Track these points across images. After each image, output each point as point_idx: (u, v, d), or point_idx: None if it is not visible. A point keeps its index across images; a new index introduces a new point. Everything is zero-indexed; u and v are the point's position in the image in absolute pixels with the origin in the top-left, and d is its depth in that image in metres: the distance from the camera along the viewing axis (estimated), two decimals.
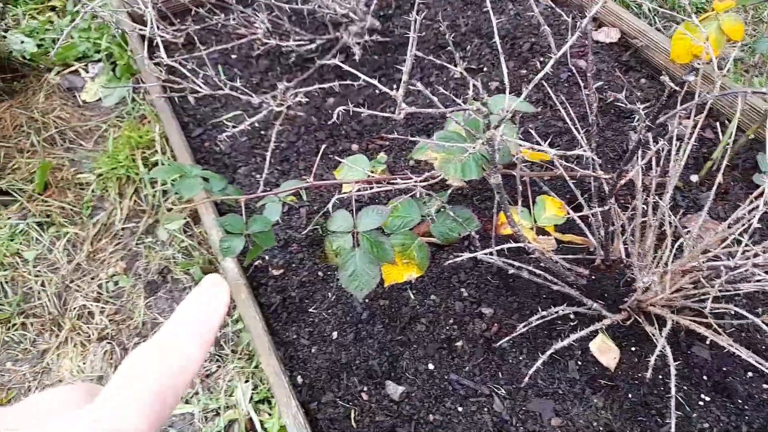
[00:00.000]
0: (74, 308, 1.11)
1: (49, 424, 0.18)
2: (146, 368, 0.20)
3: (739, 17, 1.14)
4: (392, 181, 0.80)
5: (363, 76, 0.61)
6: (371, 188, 0.81)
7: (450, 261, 0.95)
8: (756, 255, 0.69)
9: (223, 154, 1.24)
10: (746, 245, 0.71)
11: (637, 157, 0.88)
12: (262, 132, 1.26)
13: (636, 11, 1.65)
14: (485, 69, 1.41)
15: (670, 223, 0.91)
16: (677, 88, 0.56)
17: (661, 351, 0.72)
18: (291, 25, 1.38)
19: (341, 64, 0.71)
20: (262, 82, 1.40)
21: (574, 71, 1.22)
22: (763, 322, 0.74)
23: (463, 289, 0.99)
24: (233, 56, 1.44)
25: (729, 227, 0.80)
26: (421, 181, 0.77)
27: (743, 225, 0.80)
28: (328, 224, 0.82)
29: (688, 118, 1.34)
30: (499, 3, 1.57)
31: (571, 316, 0.95)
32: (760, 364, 0.74)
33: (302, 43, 1.33)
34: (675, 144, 0.90)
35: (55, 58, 1.47)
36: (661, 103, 0.60)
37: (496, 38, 0.71)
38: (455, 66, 0.69)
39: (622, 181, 0.79)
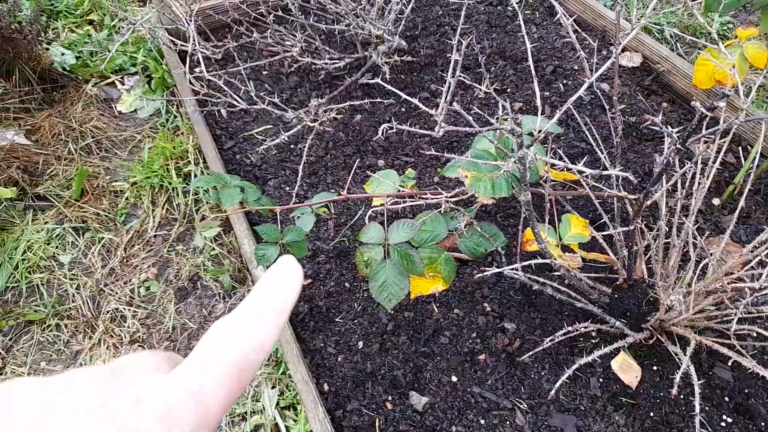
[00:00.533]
0: (107, 311, 1.15)
1: (137, 384, 0.20)
2: (225, 343, 0.22)
3: (762, 45, 1.17)
4: (423, 196, 0.83)
5: (403, 95, 0.64)
6: (403, 202, 0.84)
7: (478, 275, 0.98)
8: None
9: (253, 167, 1.28)
10: None
11: (663, 180, 0.90)
12: (292, 146, 1.30)
13: (658, 37, 1.67)
14: (509, 90, 1.44)
15: (694, 244, 0.93)
16: (708, 113, 0.59)
17: (685, 370, 0.74)
18: (321, 43, 1.43)
19: (375, 81, 0.74)
20: (291, 98, 1.44)
21: (599, 94, 1.25)
22: None
23: (486, 304, 1.01)
24: (264, 72, 1.49)
25: (753, 251, 0.82)
26: (451, 197, 0.80)
27: (767, 248, 0.81)
28: (359, 236, 0.85)
29: (714, 142, 1.36)
30: (524, 26, 1.61)
31: (593, 334, 0.97)
32: None
33: (333, 61, 1.37)
34: (699, 167, 0.92)
35: (104, 68, 1.54)
36: (691, 127, 0.63)
37: (530, 61, 0.74)
38: (480, 87, 0.73)
39: (648, 202, 0.81)
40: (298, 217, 0.91)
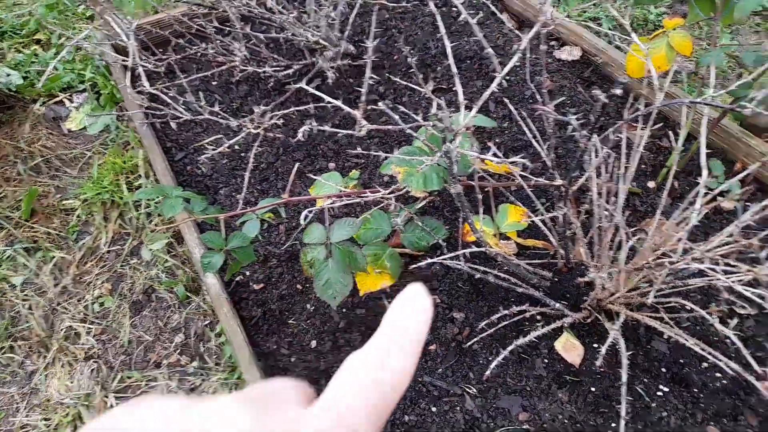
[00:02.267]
0: (61, 330, 1.14)
1: (291, 418, 0.20)
2: (365, 381, 0.21)
3: (687, 34, 1.22)
4: (362, 195, 0.86)
5: (327, 98, 0.67)
6: (342, 201, 0.87)
7: (413, 266, 1.00)
8: (690, 250, 0.75)
9: (204, 177, 1.29)
10: (686, 243, 0.77)
11: (592, 165, 0.95)
12: (243, 154, 1.32)
13: (596, 30, 1.74)
14: (454, 88, 1.48)
15: (627, 225, 0.97)
16: (606, 101, 0.62)
17: (613, 342, 0.78)
18: (268, 51, 1.45)
19: (307, 88, 0.77)
20: (242, 107, 1.45)
21: (533, 89, 1.30)
22: (708, 314, 0.80)
23: (435, 296, 1.04)
24: (214, 82, 1.50)
25: (677, 225, 0.86)
26: (388, 194, 0.83)
27: (686, 224, 0.86)
28: (303, 237, 0.87)
29: (644, 128, 1.42)
30: (467, 26, 1.66)
31: (538, 318, 1.00)
32: (710, 354, 0.80)
33: (279, 68, 1.39)
34: (625, 152, 0.96)
35: (42, 88, 1.52)
36: (595, 115, 0.67)
37: (451, 60, 0.77)
38: (426, 86, 0.76)
39: (574, 188, 0.85)
40: (244, 223, 0.93)
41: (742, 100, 1.04)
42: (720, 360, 0.76)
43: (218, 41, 1.31)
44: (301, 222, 0.76)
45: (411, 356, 0.22)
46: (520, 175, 0.91)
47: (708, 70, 1.11)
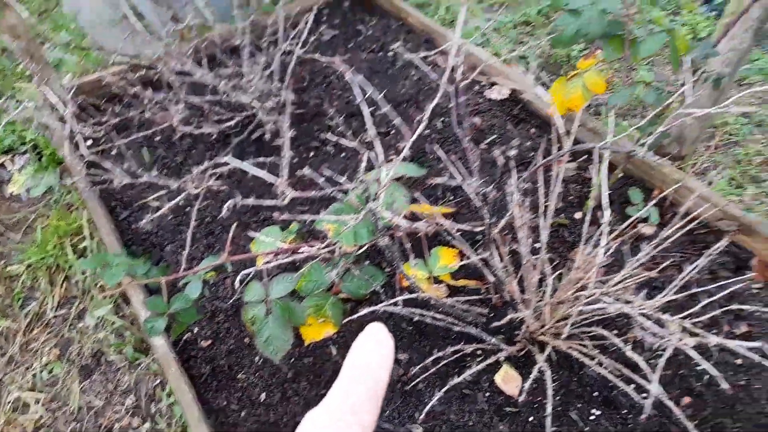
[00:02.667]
0: (8, 402, 1.13)
1: None
2: None
3: (600, 73, 1.33)
4: (297, 252, 0.90)
5: (249, 168, 0.71)
6: (282, 258, 0.91)
7: (357, 315, 1.04)
8: (603, 283, 0.81)
9: (150, 234, 1.30)
10: (598, 279, 0.83)
11: (515, 203, 1.01)
12: (188, 208, 1.34)
13: (524, 68, 1.85)
14: (393, 132, 1.55)
15: (550, 259, 1.04)
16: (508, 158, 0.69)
17: (539, 374, 0.83)
18: (210, 105, 1.49)
19: (268, 136, 0.81)
20: (186, 160, 1.48)
21: (458, 133, 1.37)
22: (623, 342, 0.87)
23: None
24: (157, 138, 1.53)
25: (589, 259, 0.93)
26: (322, 248, 0.87)
27: (605, 256, 0.93)
28: (243, 295, 0.90)
29: (572, 161, 1.52)
30: (403, 69, 1.74)
31: (479, 353, 1.05)
32: (621, 380, 0.86)
33: (222, 120, 1.43)
34: (549, 188, 1.04)
35: None
36: (503, 165, 0.73)
37: (362, 111, 0.83)
38: (369, 131, 0.81)
39: (495, 231, 0.92)
40: (186, 284, 0.95)
41: (648, 135, 1.14)
42: (633, 384, 0.82)
43: (156, 102, 1.34)
44: (236, 287, 0.79)
45: (373, 413, 0.22)
46: (451, 215, 0.96)
47: (617, 107, 1.21)
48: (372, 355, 0.23)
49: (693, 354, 0.73)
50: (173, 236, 1.29)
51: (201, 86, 1.51)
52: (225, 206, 0.67)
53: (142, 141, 1.51)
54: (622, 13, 1.11)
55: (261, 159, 1.15)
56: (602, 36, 1.20)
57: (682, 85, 1.10)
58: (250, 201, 0.69)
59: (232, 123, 1.49)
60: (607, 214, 0.86)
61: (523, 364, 1.03)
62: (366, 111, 0.83)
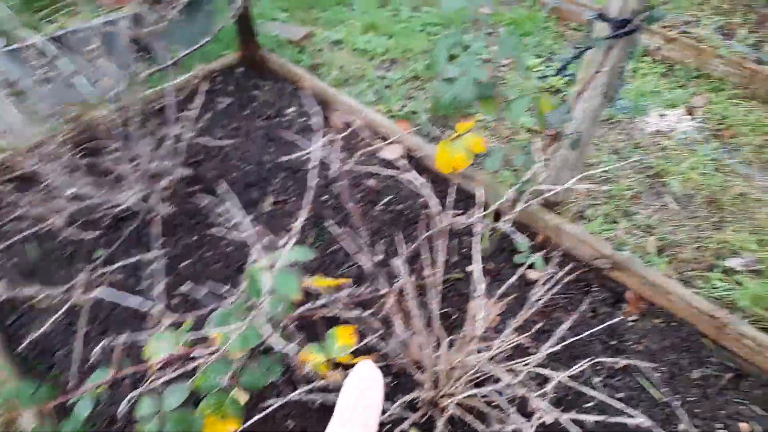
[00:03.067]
0: None
1: None
2: None
3: (479, 134, 1.43)
4: (189, 357, 0.89)
5: (122, 301, 0.71)
6: (175, 366, 0.89)
7: (261, 409, 1.05)
8: (484, 350, 0.87)
9: (41, 337, 1.23)
10: (479, 347, 0.89)
11: (402, 271, 1.06)
12: (76, 308, 1.28)
13: (415, 126, 1.94)
14: (293, 198, 1.58)
15: (448, 314, 1.09)
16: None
17: None
18: (98, 188, 1.44)
19: (165, 219, 0.80)
20: (78, 250, 1.42)
21: (348, 207, 1.42)
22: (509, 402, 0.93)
23: (289, 421, 1.09)
24: (44, 230, 1.46)
25: (474, 319, 1.00)
26: (211, 354, 0.87)
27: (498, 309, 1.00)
28: (135, 412, 0.88)
29: (462, 213, 1.61)
30: (302, 136, 1.78)
31: (387, 423, 1.08)
32: None
33: (106, 215, 1.39)
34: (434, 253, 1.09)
35: None
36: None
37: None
38: (264, 204, 0.82)
39: (381, 303, 0.96)
40: (75, 403, 0.91)
41: (521, 193, 1.24)
42: None
43: (30, 203, 1.30)
44: (119, 413, 0.77)
45: None
46: (353, 283, 1.00)
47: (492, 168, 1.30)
48: (361, 397, 0.24)
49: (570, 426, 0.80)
50: (65, 338, 1.23)
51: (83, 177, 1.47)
52: (99, 346, 0.66)
53: (24, 238, 1.43)
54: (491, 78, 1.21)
55: (148, 255, 1.13)
56: (476, 98, 1.29)
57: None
58: (122, 339, 0.68)
59: (124, 206, 1.45)
60: (480, 287, 0.93)
61: (428, 429, 1.07)
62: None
